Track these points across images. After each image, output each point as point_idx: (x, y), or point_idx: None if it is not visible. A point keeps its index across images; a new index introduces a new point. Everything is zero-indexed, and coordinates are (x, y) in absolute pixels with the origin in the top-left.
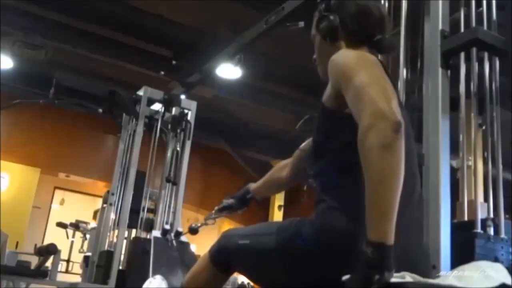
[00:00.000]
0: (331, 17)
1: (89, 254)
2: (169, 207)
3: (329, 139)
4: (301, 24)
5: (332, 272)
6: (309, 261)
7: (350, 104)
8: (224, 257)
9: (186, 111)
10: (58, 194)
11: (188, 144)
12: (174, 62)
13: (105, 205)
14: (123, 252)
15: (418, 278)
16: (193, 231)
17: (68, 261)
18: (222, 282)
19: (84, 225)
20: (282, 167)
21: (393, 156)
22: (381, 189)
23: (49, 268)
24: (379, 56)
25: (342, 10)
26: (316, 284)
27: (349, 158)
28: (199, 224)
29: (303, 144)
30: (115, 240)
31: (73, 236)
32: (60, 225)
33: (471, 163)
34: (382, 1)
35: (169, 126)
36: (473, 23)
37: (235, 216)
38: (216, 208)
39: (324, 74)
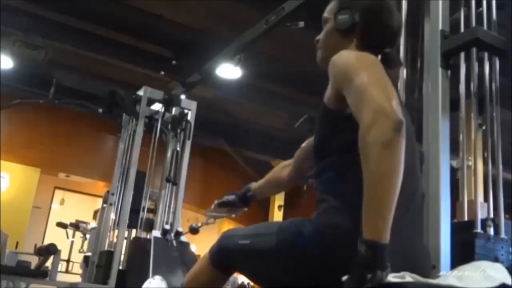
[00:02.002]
0: (354, 12)
1: (89, 254)
2: (169, 207)
3: (330, 139)
4: (301, 24)
5: (332, 272)
6: (310, 261)
7: (351, 104)
8: (224, 257)
9: (186, 111)
10: (58, 194)
11: (188, 144)
12: (174, 62)
13: (105, 205)
14: (123, 252)
15: (418, 278)
16: (194, 230)
17: (68, 261)
18: (222, 282)
19: (84, 225)
20: (283, 167)
21: (392, 155)
22: (379, 188)
23: (49, 268)
24: None
25: (366, 9)
26: (316, 284)
27: (350, 158)
28: (199, 224)
29: (304, 143)
30: (115, 240)
31: (73, 236)
32: (60, 225)
33: (471, 163)
34: None
35: (169, 126)
36: (473, 23)
37: (235, 216)
38: (216, 202)
39: (322, 60)
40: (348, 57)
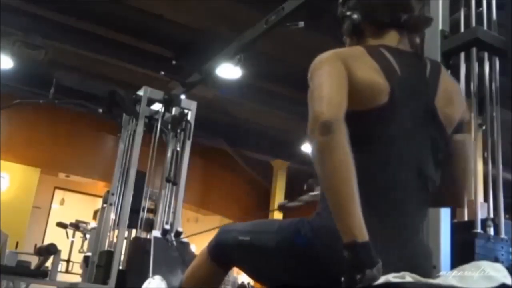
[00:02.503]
0: (352, 15)
1: (89, 254)
2: (169, 207)
3: None
4: (301, 24)
5: (331, 272)
6: (309, 260)
7: None
8: (223, 252)
9: (186, 111)
10: (58, 194)
11: (188, 144)
12: (174, 62)
13: (105, 205)
14: (123, 252)
15: (418, 278)
16: (283, 208)
17: (68, 261)
18: (221, 277)
19: (84, 225)
20: None
21: (326, 158)
22: (330, 192)
23: (49, 268)
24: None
25: (363, 3)
26: (316, 283)
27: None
28: (291, 204)
29: None
30: (115, 240)
31: (73, 236)
32: (60, 225)
33: None
34: None
35: (169, 126)
36: (473, 23)
37: (236, 216)
38: None
39: None
40: (314, 62)
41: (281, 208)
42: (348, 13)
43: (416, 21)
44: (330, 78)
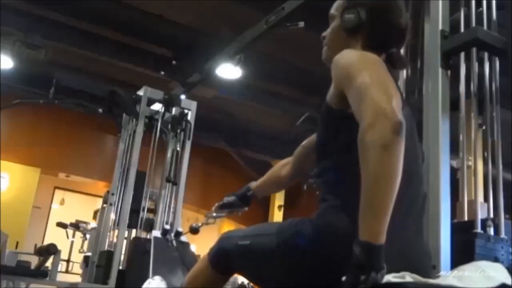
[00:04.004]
0: (360, 12)
1: (89, 254)
2: (169, 207)
3: (333, 138)
4: (301, 24)
5: (332, 272)
6: (310, 261)
7: (352, 104)
8: (224, 258)
9: (186, 111)
10: (58, 194)
11: (188, 144)
12: (174, 62)
13: (105, 205)
14: (123, 252)
15: (418, 278)
16: (194, 230)
17: (68, 261)
18: (222, 284)
19: (84, 225)
20: (283, 165)
21: (391, 156)
22: (376, 189)
23: (49, 268)
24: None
25: (372, 8)
26: (317, 284)
27: (351, 158)
28: (200, 224)
29: (304, 142)
30: (115, 240)
31: (73, 236)
32: (60, 225)
33: (471, 163)
34: None
35: (169, 126)
36: (473, 23)
37: (235, 216)
38: (216, 204)
39: (327, 58)
40: (350, 56)
41: (192, 230)
42: (358, 9)
43: (397, 61)
44: (386, 76)
